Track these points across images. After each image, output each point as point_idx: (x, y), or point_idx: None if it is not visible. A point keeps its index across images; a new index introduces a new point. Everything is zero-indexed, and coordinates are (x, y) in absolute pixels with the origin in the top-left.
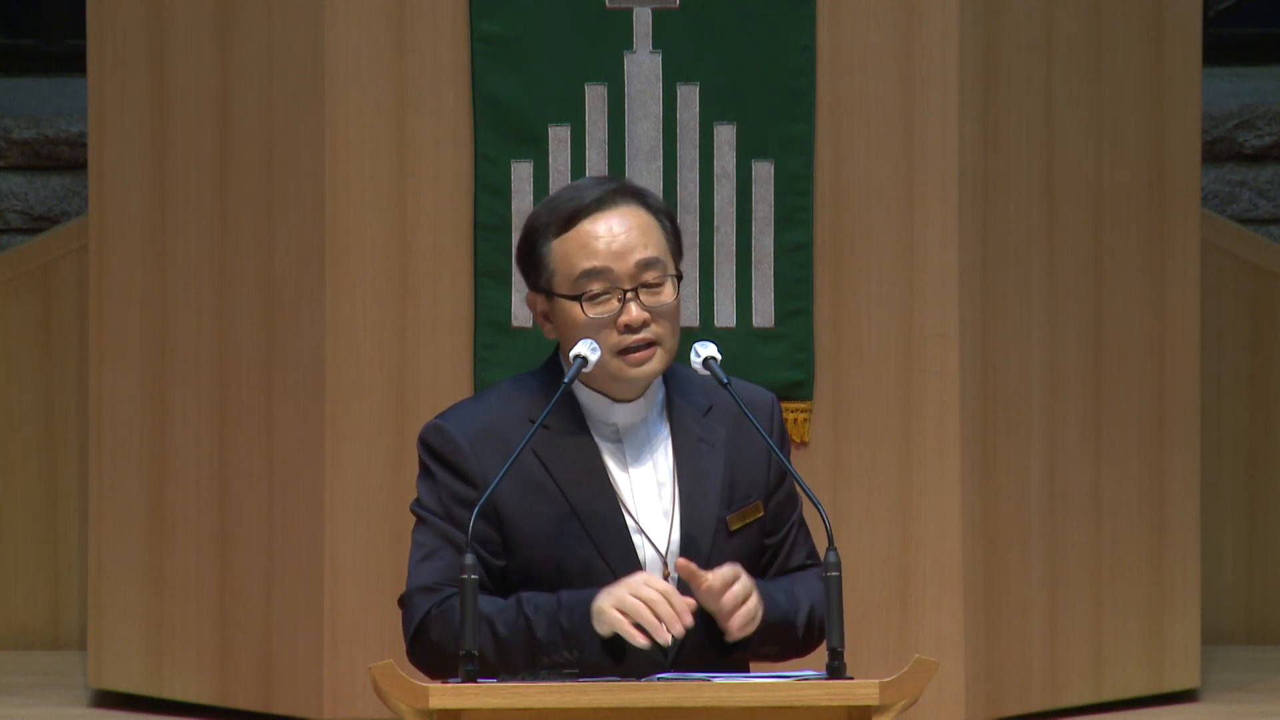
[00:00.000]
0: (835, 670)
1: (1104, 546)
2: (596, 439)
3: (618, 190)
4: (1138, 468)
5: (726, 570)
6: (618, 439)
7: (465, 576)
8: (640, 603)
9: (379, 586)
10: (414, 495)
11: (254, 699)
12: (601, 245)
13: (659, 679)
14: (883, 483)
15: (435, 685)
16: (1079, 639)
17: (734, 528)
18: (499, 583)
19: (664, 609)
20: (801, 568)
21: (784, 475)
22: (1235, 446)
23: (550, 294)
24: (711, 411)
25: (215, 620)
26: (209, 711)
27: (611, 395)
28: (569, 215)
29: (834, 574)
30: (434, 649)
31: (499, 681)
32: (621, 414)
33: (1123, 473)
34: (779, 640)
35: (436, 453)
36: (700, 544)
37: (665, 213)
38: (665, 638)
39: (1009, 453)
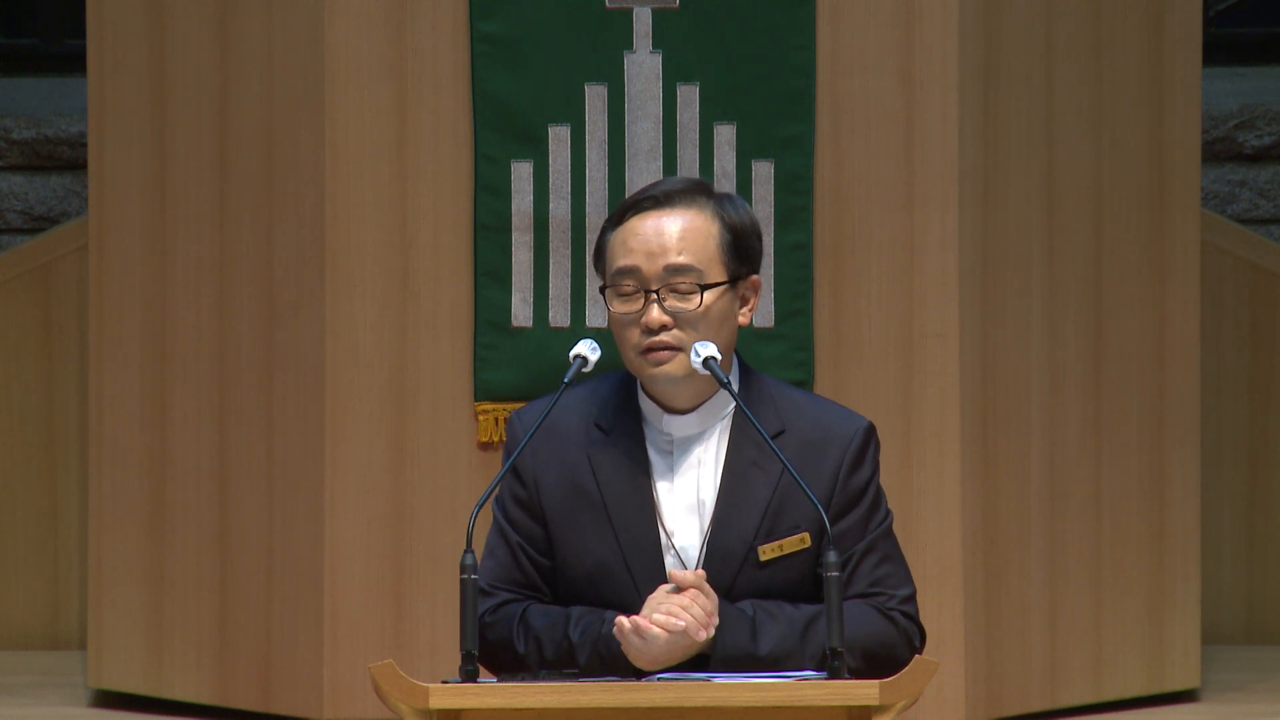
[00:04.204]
0: (835, 670)
1: (1104, 546)
2: (649, 448)
3: (687, 190)
4: (1138, 468)
5: (691, 597)
6: (669, 450)
7: (464, 577)
8: (674, 608)
9: (379, 586)
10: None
11: (254, 699)
12: (638, 244)
13: (659, 679)
14: (883, 483)
15: (435, 685)
16: (1079, 639)
17: (765, 558)
18: (550, 581)
19: (696, 612)
20: (861, 595)
21: (851, 508)
22: (1235, 446)
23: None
24: (780, 436)
25: (215, 620)
26: (209, 711)
27: (664, 404)
28: (627, 208)
29: (834, 574)
30: (489, 650)
31: (499, 681)
32: (676, 425)
33: (1123, 473)
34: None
35: (506, 444)
36: (724, 570)
37: (735, 225)
38: (702, 635)
39: (1009, 453)
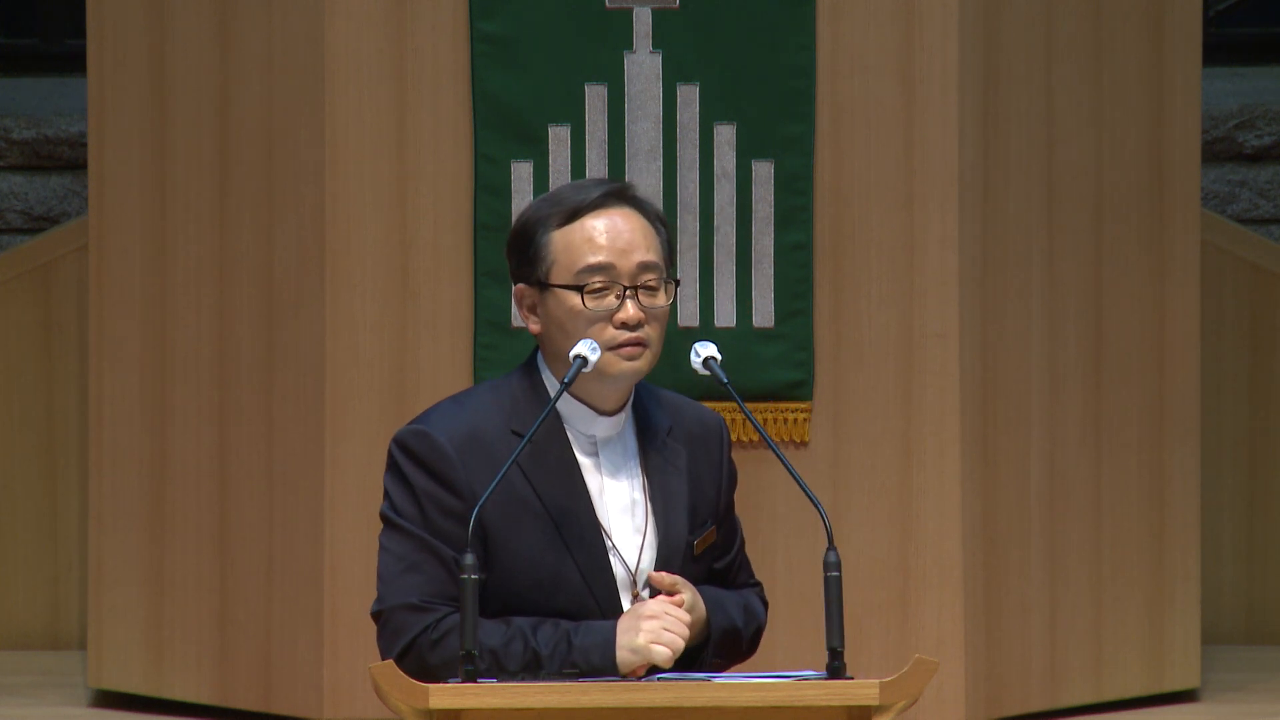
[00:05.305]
0: (835, 670)
1: (1104, 546)
2: (575, 452)
3: (619, 193)
4: (1138, 467)
5: (685, 597)
6: (594, 452)
7: (466, 576)
8: (680, 643)
9: None
10: None
11: (254, 699)
12: (605, 240)
13: (659, 679)
14: (883, 483)
15: (435, 685)
16: (1079, 639)
17: (697, 552)
18: (480, 595)
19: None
20: (747, 586)
21: (731, 498)
22: (1235, 446)
23: (546, 285)
24: (672, 432)
25: (215, 620)
26: (209, 711)
27: (595, 405)
28: (573, 209)
29: (834, 574)
30: (429, 674)
31: (499, 681)
32: (602, 427)
33: (1123, 473)
34: (727, 652)
35: (420, 459)
36: (672, 566)
37: (661, 220)
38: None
39: (1009, 453)
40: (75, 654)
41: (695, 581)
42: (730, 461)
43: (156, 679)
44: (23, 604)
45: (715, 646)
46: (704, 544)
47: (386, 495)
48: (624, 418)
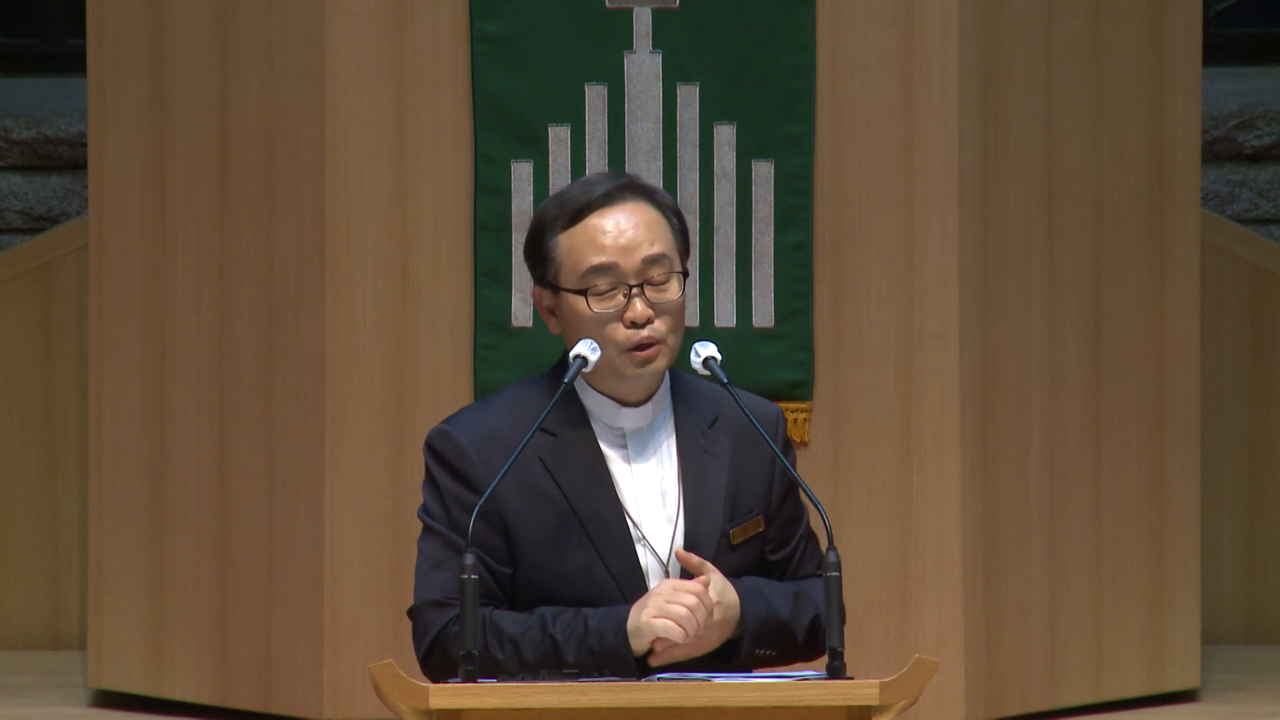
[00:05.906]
0: (835, 670)
1: (1104, 546)
2: (601, 443)
3: (626, 186)
4: (1138, 468)
5: (711, 580)
6: (623, 444)
7: (465, 576)
8: (683, 611)
9: (379, 586)
10: (413, 495)
11: (254, 699)
12: (608, 240)
13: (659, 679)
14: (883, 483)
15: (435, 685)
16: (1079, 639)
17: (736, 541)
18: (507, 590)
19: (699, 621)
20: (812, 576)
21: (789, 489)
22: (1235, 446)
23: (556, 288)
24: (717, 423)
25: (215, 620)
26: (209, 711)
27: (619, 398)
28: (577, 210)
29: (834, 574)
30: (455, 668)
31: (499, 681)
32: (629, 418)
33: (1123, 473)
34: (774, 643)
35: (443, 459)
36: (703, 556)
37: (673, 210)
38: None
39: (1009, 453)
40: (75, 654)
41: (737, 572)
42: (788, 448)
43: (156, 679)
44: (23, 604)
45: (755, 637)
46: (744, 534)
47: (424, 496)
48: (653, 408)
